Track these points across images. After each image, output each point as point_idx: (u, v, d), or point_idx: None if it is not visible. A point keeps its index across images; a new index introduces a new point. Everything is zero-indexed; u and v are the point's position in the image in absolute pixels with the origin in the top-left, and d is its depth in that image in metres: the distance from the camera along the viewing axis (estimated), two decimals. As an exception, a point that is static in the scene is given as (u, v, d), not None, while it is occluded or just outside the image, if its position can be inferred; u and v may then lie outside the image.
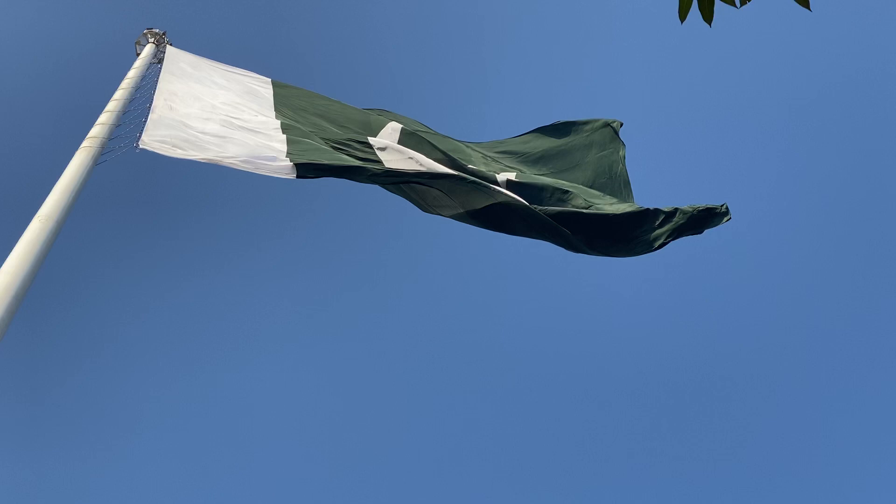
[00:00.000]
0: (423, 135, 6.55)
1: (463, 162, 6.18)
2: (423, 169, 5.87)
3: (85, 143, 4.99)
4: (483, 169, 6.27)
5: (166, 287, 16.46)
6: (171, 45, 7.38)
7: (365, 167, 5.56)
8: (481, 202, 5.86)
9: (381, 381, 16.67)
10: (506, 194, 5.76)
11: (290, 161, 5.30)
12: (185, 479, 15.09)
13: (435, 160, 6.03)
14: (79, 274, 15.78)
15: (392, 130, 6.53)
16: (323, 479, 15.63)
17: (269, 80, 7.26)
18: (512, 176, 6.14)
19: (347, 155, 5.68)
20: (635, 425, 16.71)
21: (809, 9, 2.96)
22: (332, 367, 16.81)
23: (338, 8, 19.89)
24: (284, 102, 6.74)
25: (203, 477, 15.19)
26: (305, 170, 5.27)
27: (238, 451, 15.46)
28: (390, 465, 15.90)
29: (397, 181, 5.88)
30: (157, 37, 7.34)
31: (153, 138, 5.14)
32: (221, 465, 15.33)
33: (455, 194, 5.90)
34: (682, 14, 3.14)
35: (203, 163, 5.11)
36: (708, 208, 5.61)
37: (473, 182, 5.76)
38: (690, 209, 5.61)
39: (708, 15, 3.14)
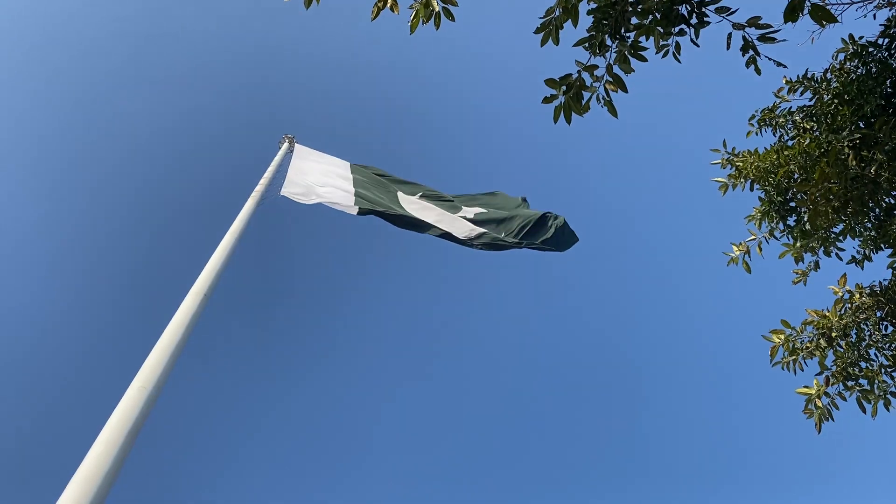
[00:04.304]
0: (429, 197, 10.47)
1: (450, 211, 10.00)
2: (428, 220, 9.58)
3: (253, 193, 8.93)
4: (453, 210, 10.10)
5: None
6: (297, 143, 11.57)
7: (398, 212, 9.38)
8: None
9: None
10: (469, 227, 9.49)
11: (357, 206, 9.09)
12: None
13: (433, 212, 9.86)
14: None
15: (416, 196, 10.45)
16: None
17: (348, 163, 11.42)
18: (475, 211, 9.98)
19: (389, 203, 9.57)
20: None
21: None
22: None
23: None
24: (357, 173, 10.80)
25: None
26: (364, 213, 8.92)
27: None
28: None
29: (412, 224, 9.41)
30: (290, 139, 11.53)
31: (289, 191, 9.04)
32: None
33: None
34: None
35: (320, 204, 8.99)
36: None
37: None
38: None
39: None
